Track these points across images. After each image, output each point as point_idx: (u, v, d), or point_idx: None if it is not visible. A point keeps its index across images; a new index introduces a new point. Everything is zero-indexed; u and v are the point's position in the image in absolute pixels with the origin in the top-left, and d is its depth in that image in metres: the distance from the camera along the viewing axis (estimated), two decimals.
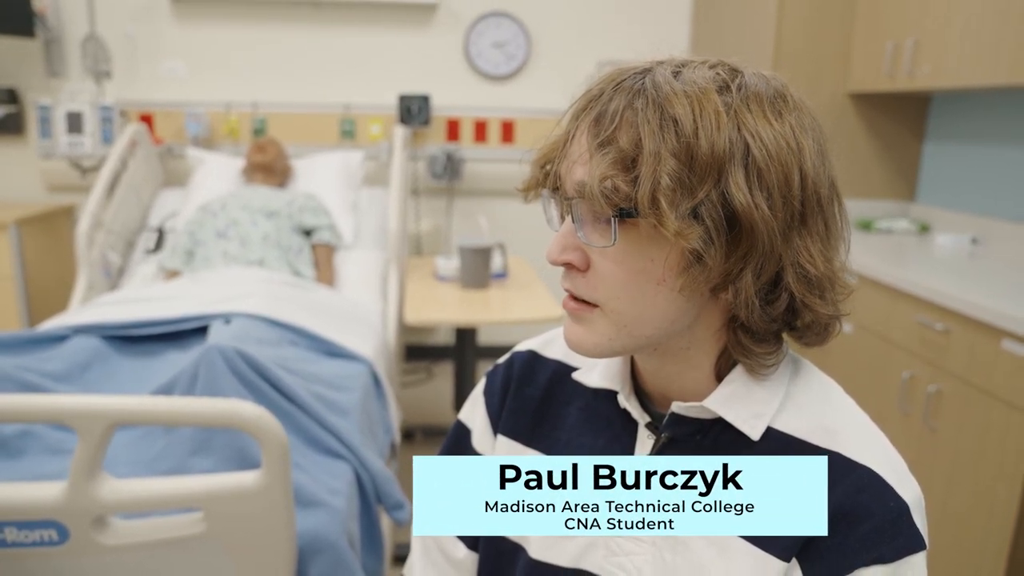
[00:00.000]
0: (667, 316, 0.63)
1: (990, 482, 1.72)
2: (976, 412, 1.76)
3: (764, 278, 0.60)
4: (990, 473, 1.72)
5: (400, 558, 2.10)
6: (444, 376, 3.61)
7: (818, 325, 0.64)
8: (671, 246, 0.59)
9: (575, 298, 0.65)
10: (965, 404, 1.80)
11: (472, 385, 2.45)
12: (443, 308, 2.29)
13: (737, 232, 0.58)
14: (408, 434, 2.91)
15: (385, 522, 1.73)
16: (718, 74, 0.61)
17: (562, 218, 0.66)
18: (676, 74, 0.60)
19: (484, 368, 1.36)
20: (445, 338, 3.73)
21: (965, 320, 1.79)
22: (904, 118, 2.87)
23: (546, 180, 0.67)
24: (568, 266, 0.64)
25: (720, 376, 0.68)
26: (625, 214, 0.58)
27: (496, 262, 2.53)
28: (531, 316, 2.19)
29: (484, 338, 3.23)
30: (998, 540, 1.69)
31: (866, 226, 2.81)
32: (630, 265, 0.61)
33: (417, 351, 3.73)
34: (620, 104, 0.59)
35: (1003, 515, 1.68)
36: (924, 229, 2.79)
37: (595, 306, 0.64)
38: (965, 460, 1.81)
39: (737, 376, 0.66)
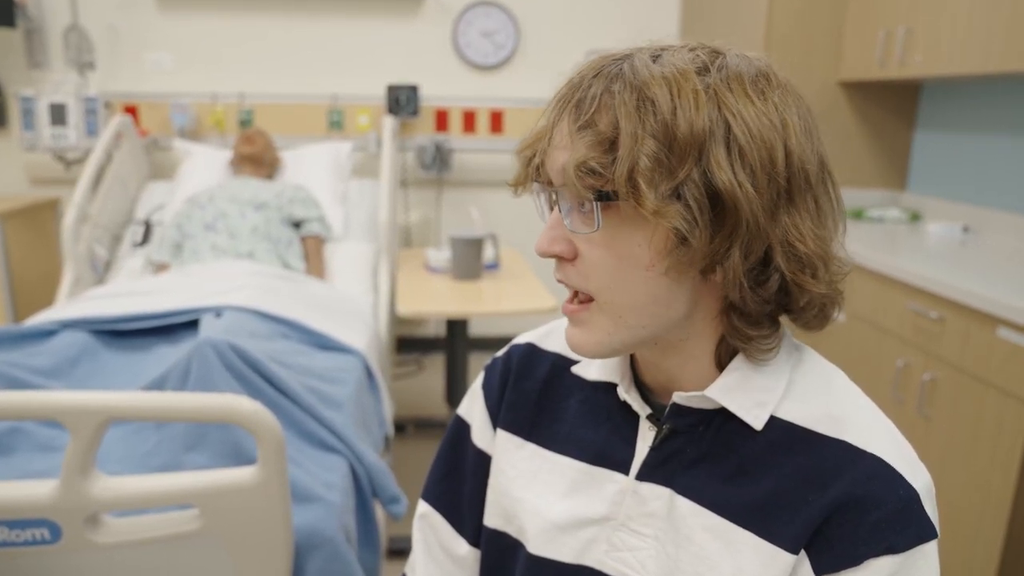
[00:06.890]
0: (659, 302, 0.61)
1: (985, 470, 1.73)
2: (971, 400, 1.77)
3: (752, 258, 0.59)
4: (985, 461, 1.72)
5: (395, 551, 2.09)
6: (435, 368, 3.60)
7: (814, 306, 0.63)
8: (655, 229, 0.59)
9: (572, 300, 0.65)
10: (960, 392, 1.81)
11: (464, 377, 2.46)
12: (435, 300, 2.28)
13: (721, 211, 0.57)
14: (400, 427, 2.89)
15: (380, 515, 1.72)
16: (697, 56, 0.60)
17: (551, 209, 0.66)
18: (655, 58, 0.60)
19: (476, 360, 1.36)
20: (436, 330, 3.71)
21: (960, 308, 1.79)
22: (895, 107, 2.87)
23: (534, 172, 0.66)
24: (558, 257, 0.64)
25: (721, 366, 0.66)
26: (604, 197, 0.58)
27: (488, 253, 2.51)
28: (523, 307, 2.18)
29: (475, 329, 3.22)
30: (993, 527, 1.70)
31: (857, 215, 2.81)
32: (616, 250, 0.60)
33: (408, 343, 3.71)
34: (599, 89, 0.59)
35: (998, 502, 1.69)
36: (915, 218, 2.80)
37: (591, 300, 0.64)
38: (960, 448, 1.81)
39: (738, 365, 0.65)
